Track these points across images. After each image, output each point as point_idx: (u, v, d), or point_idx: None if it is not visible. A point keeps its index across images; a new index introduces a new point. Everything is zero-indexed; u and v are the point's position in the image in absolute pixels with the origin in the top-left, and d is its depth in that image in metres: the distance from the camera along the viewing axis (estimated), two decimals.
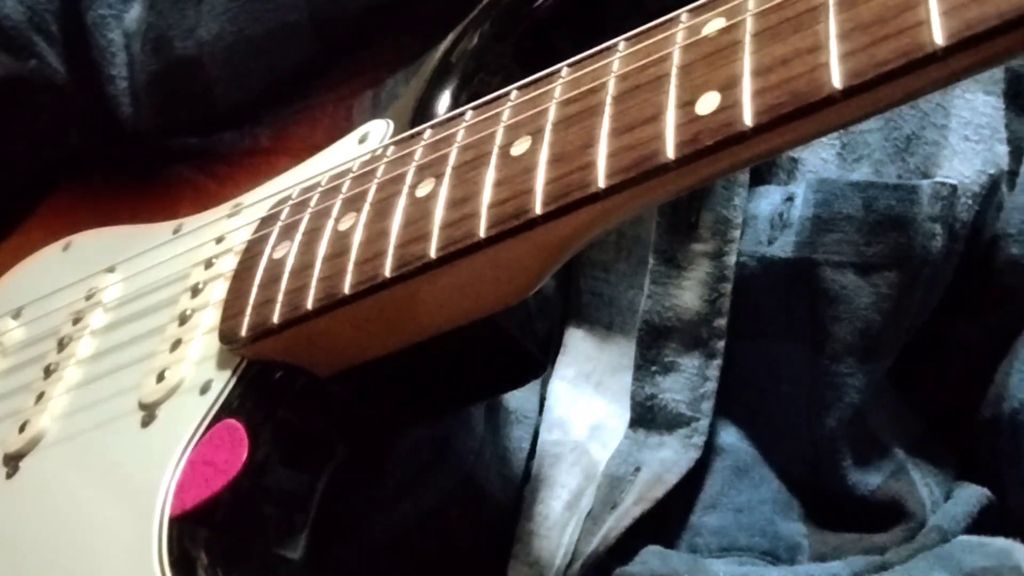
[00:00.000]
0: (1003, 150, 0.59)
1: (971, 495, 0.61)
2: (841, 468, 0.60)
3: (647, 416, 0.59)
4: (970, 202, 0.58)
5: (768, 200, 0.58)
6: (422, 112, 0.53)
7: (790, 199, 0.58)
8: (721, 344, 0.58)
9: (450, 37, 0.56)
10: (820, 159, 0.59)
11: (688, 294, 0.58)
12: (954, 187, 0.58)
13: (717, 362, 0.59)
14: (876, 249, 0.57)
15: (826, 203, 0.57)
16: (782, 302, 0.58)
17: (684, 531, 0.58)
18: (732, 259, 0.58)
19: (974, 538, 0.58)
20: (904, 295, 0.58)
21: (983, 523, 0.60)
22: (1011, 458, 0.60)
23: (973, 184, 0.58)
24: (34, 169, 0.71)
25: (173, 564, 0.44)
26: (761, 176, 0.59)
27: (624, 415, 0.60)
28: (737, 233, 0.58)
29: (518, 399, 0.60)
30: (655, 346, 0.59)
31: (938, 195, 0.57)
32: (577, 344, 0.62)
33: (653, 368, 0.59)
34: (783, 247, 0.58)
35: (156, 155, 0.66)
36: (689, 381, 0.59)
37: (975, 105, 0.59)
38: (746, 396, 0.60)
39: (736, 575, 0.56)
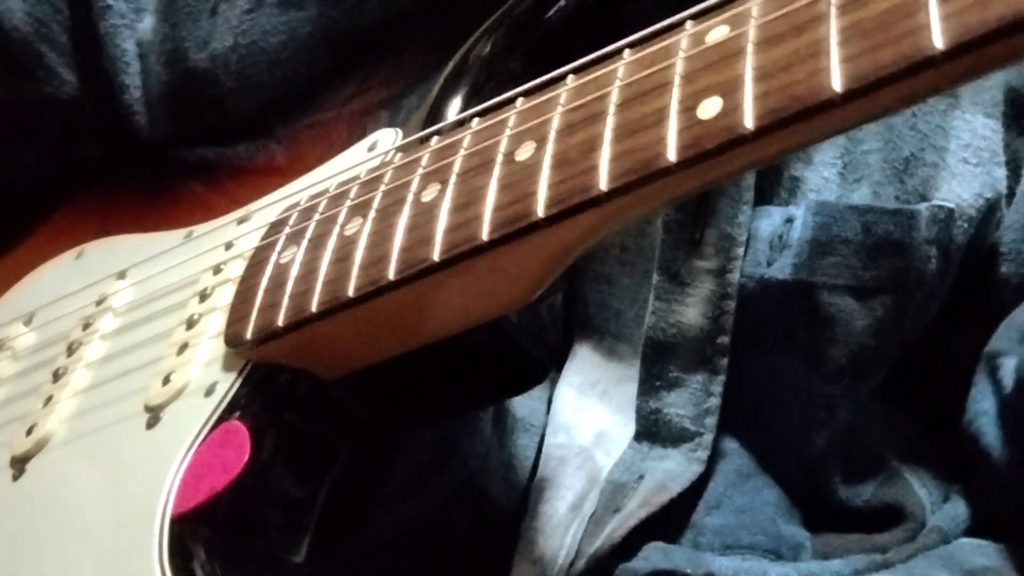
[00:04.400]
0: (1001, 173, 0.59)
1: (971, 497, 0.61)
2: (832, 483, 0.60)
3: (652, 430, 0.59)
4: (966, 225, 0.58)
5: (768, 221, 0.58)
6: (432, 120, 0.54)
7: (790, 220, 0.58)
8: (725, 361, 0.58)
9: (462, 47, 0.57)
10: (821, 178, 0.59)
11: (692, 311, 0.58)
12: (951, 211, 0.58)
13: (721, 378, 0.59)
14: (873, 273, 0.57)
15: (825, 226, 0.57)
16: (780, 323, 0.58)
17: (687, 530, 0.58)
18: (735, 277, 0.58)
19: (975, 540, 0.58)
20: (898, 318, 0.58)
21: (984, 525, 0.60)
22: (975, 466, 0.60)
23: (970, 208, 0.58)
24: (46, 180, 0.71)
25: (173, 563, 0.44)
26: (762, 195, 0.59)
27: (628, 425, 0.60)
28: (741, 251, 0.58)
29: (526, 407, 0.60)
30: (659, 362, 0.59)
31: (935, 219, 0.57)
32: (585, 353, 0.62)
33: (658, 383, 0.59)
34: (782, 269, 0.58)
35: (169, 166, 0.67)
36: (693, 397, 0.59)
37: (975, 127, 0.59)
38: (746, 408, 0.59)
39: (738, 569, 0.56)
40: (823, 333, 0.58)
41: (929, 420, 0.64)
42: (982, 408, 0.59)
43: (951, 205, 0.58)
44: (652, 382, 0.59)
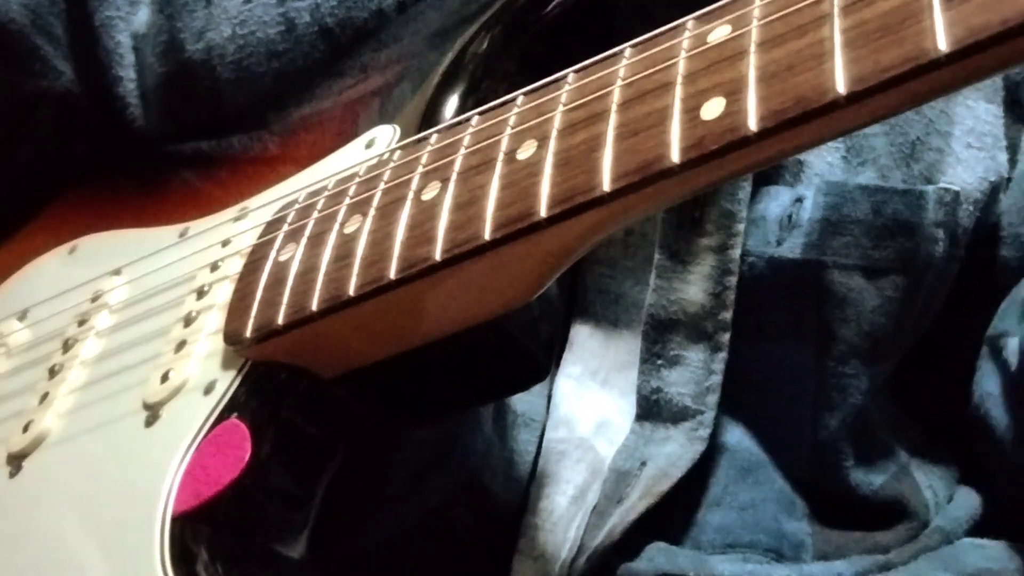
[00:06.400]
0: (1004, 158, 0.60)
1: (973, 498, 0.61)
2: (844, 468, 0.60)
3: (653, 410, 0.59)
4: (971, 208, 0.59)
5: (777, 201, 0.59)
6: (429, 117, 0.54)
7: (799, 200, 0.58)
8: (726, 337, 0.59)
9: (459, 43, 0.56)
10: (826, 163, 0.59)
11: (693, 288, 0.58)
12: (957, 193, 0.58)
13: (722, 355, 0.59)
14: (883, 253, 0.58)
15: (835, 206, 0.58)
16: (789, 303, 0.59)
17: (688, 528, 0.59)
18: (736, 253, 0.58)
19: (976, 540, 0.59)
20: (908, 299, 0.59)
21: (985, 526, 0.60)
22: (983, 451, 0.61)
23: (975, 191, 0.59)
24: (41, 174, 0.71)
25: (175, 562, 0.44)
26: (768, 177, 0.59)
27: (630, 411, 0.60)
28: (741, 227, 0.58)
29: (526, 402, 0.60)
30: (660, 340, 0.59)
31: (942, 201, 0.58)
32: (583, 341, 0.62)
33: (659, 362, 0.59)
34: (791, 248, 0.58)
35: (163, 159, 0.67)
36: (694, 374, 0.59)
37: (978, 113, 0.60)
38: (751, 396, 0.60)
39: (741, 574, 0.56)
40: (833, 313, 0.58)
41: (935, 419, 0.64)
42: (988, 390, 0.59)
43: (957, 188, 0.58)
44: (653, 360, 0.59)
